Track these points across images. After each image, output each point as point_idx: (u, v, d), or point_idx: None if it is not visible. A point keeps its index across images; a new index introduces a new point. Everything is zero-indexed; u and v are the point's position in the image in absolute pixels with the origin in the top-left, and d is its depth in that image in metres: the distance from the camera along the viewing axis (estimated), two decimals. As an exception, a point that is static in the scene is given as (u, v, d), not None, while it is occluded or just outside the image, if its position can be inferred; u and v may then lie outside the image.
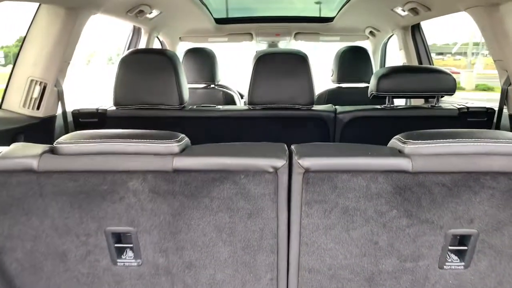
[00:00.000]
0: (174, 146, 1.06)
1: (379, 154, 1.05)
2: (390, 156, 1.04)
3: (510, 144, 1.02)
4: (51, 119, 2.09)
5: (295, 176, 1.05)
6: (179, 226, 1.10)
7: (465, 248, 1.10)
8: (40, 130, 2.03)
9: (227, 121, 2.16)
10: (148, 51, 2.12)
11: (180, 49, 4.22)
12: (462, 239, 1.10)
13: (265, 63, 2.10)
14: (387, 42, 4.19)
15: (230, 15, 4.12)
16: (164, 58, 2.04)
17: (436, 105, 2.16)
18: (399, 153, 1.06)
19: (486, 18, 2.04)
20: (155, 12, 3.01)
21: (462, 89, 15.07)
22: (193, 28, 4.03)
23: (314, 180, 1.04)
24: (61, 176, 1.06)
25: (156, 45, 4.29)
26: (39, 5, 1.92)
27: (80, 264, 1.16)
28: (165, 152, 1.05)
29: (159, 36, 4.03)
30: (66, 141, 1.08)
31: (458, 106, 2.14)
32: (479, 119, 2.12)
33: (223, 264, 1.15)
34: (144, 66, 2.05)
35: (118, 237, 1.14)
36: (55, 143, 1.09)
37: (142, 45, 3.46)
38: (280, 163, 1.04)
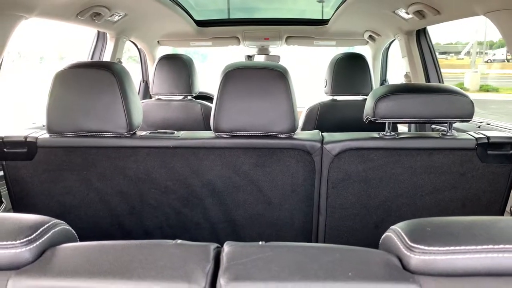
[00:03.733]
0: (18, 251, 0.63)
1: (364, 274, 0.62)
2: (383, 279, 0.61)
3: None
4: None
5: None
6: None
7: None
8: None
9: (187, 151, 1.74)
10: (89, 65, 1.70)
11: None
12: None
13: (235, 80, 1.68)
14: (388, 47, 3.76)
15: (215, 17, 3.71)
16: (107, 73, 1.62)
17: (448, 134, 1.73)
18: (400, 267, 0.63)
19: (513, 25, 1.62)
20: (118, 15, 2.58)
21: (466, 90, 14.71)
22: (172, 31, 3.60)
23: None
24: None
25: (133, 49, 3.89)
26: None
27: None
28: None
29: (134, 41, 3.62)
30: None
31: (476, 136, 1.70)
32: (502, 152, 1.69)
33: None
34: (83, 84, 1.64)
35: None
36: None
37: (108, 51, 3.04)
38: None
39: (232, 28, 3.64)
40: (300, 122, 2.95)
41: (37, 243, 0.67)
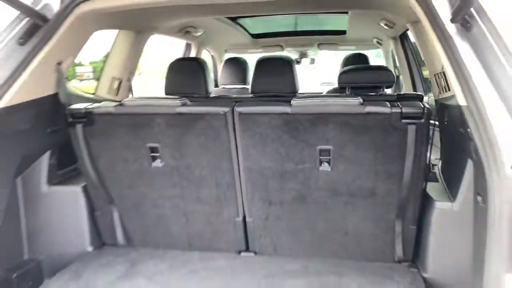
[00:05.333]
0: (178, 102, 2.10)
1: (277, 105, 2.01)
2: (281, 106, 2.00)
3: (341, 101, 1.94)
4: None
5: (235, 117, 2.04)
6: (182, 143, 2.13)
7: (329, 157, 2.02)
8: None
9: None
10: (186, 59, 3.22)
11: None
12: (327, 152, 2.02)
13: (264, 65, 3.09)
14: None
15: (265, 31, 5.16)
16: (195, 63, 3.11)
17: (382, 93, 3.02)
18: (290, 104, 2.01)
19: (419, 33, 2.88)
20: (199, 32, 4.14)
21: None
22: (234, 42, 5.13)
23: (244, 118, 2.02)
24: (123, 117, 2.14)
25: (205, 56, 5.46)
26: (118, 31, 3.10)
27: (133, 166, 2.23)
28: (173, 104, 2.10)
29: (208, 49, 5.20)
30: (127, 100, 2.17)
31: (398, 93, 2.98)
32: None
33: (206, 166, 2.16)
34: (183, 69, 3.13)
35: (153, 149, 2.19)
36: (122, 101, 2.17)
37: (192, 55, 4.62)
38: (226, 110, 2.03)
39: (277, 39, 5.09)
40: None
41: (183, 101, 2.14)
